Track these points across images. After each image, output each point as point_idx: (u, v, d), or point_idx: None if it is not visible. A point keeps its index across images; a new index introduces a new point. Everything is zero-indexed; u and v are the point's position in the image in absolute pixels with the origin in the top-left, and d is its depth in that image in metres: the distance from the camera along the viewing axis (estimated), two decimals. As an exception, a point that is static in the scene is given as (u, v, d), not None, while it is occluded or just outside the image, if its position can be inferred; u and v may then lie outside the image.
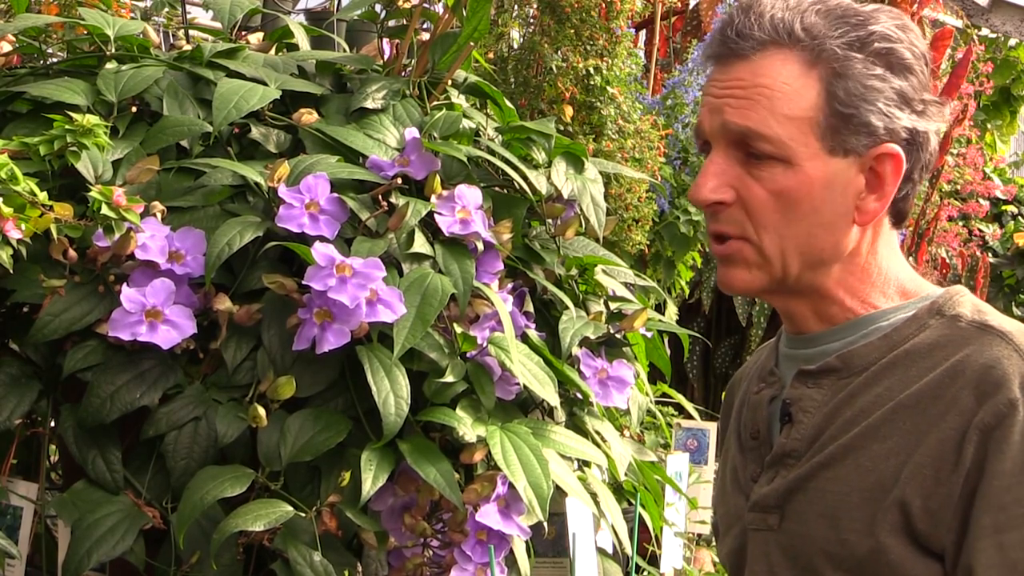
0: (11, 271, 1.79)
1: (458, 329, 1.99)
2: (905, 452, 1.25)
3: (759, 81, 1.29)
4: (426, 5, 2.31)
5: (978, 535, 1.21)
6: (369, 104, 2.18)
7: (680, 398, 3.34)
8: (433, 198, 2.06)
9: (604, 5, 3.50)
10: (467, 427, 1.93)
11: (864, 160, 1.29)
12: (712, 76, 1.32)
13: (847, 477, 1.28)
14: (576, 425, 2.17)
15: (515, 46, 3.65)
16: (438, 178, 2.07)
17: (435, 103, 2.27)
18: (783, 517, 1.32)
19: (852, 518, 1.27)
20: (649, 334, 2.43)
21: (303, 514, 1.86)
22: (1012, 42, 7.95)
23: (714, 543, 3.54)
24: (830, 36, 1.29)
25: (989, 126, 8.22)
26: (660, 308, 3.90)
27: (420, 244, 2.01)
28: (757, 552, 1.36)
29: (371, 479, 1.84)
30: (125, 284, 1.88)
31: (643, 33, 5.18)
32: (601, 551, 2.26)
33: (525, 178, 2.17)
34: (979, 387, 1.23)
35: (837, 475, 1.29)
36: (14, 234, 1.76)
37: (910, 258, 5.24)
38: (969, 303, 1.32)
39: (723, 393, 4.13)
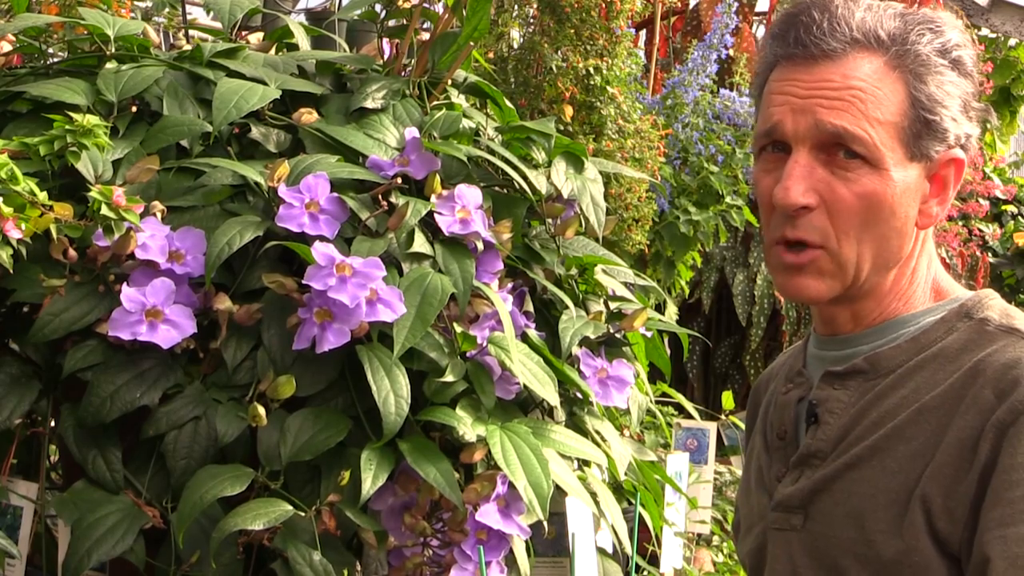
0: (11, 271, 1.79)
1: (458, 329, 1.99)
2: (930, 453, 1.25)
3: (851, 83, 1.28)
4: (426, 5, 2.30)
5: (986, 527, 1.21)
6: (369, 104, 2.18)
7: (680, 398, 3.34)
8: (433, 198, 2.06)
9: (604, 5, 3.50)
10: (467, 427, 1.93)
11: (932, 165, 1.30)
12: (787, 76, 1.31)
13: (873, 478, 1.28)
14: (576, 425, 2.17)
15: (515, 46, 3.64)
16: (438, 178, 2.07)
17: (435, 103, 2.27)
18: (807, 517, 1.33)
19: (878, 519, 1.27)
20: (649, 334, 2.43)
21: (303, 513, 1.86)
22: (1012, 42, 7.94)
23: (713, 543, 3.54)
24: (914, 41, 1.29)
25: (989, 126, 8.21)
26: (660, 308, 3.90)
27: (420, 244, 2.01)
28: (779, 552, 1.36)
29: (371, 478, 1.84)
30: (125, 284, 1.88)
31: (643, 33, 5.18)
32: (601, 551, 2.25)
33: (525, 178, 2.17)
34: (998, 385, 1.23)
35: (863, 476, 1.29)
36: (14, 234, 1.76)
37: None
38: (998, 307, 1.32)
39: (723, 393, 4.14)
